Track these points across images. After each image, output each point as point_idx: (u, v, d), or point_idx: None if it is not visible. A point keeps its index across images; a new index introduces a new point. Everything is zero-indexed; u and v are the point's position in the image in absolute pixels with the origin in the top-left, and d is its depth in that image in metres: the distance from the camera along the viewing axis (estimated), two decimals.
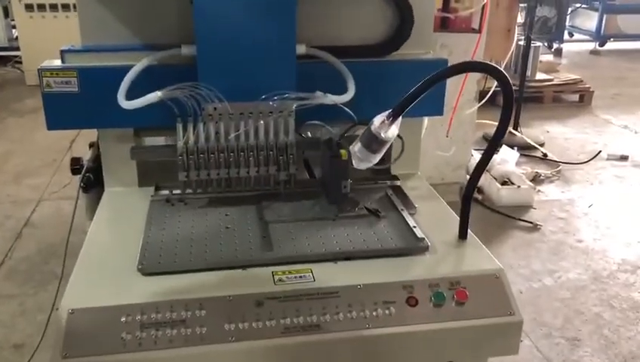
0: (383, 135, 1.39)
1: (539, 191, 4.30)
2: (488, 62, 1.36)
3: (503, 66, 5.72)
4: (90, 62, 1.77)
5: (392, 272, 1.52)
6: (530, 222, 3.84)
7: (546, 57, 7.63)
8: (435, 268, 1.55)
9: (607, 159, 4.91)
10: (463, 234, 1.67)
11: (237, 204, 1.80)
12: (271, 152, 1.77)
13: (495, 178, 4.18)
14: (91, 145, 2.10)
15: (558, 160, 4.85)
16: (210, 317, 1.38)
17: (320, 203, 1.81)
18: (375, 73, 1.86)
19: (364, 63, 1.86)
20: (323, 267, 1.53)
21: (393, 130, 1.41)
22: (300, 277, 1.48)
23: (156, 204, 1.81)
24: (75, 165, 2.09)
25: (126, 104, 1.68)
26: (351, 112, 1.70)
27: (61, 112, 1.77)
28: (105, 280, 1.47)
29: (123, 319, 1.35)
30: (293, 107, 1.73)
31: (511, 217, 3.89)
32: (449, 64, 1.66)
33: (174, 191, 1.86)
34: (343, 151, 1.68)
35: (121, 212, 1.84)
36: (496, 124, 1.47)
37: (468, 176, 4.15)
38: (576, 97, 6.61)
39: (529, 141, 5.06)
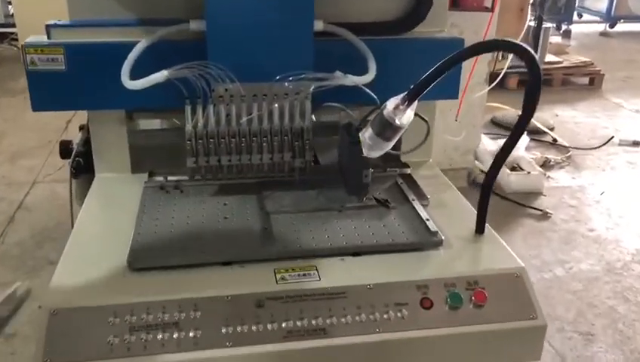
0: (397, 121, 1.25)
1: (549, 177, 4.17)
2: (517, 42, 1.22)
3: None
4: (78, 38, 1.63)
5: (404, 270, 1.40)
6: (540, 210, 3.71)
7: (555, 39, 7.44)
8: (451, 265, 1.43)
9: (619, 145, 4.77)
10: (480, 228, 1.54)
11: (236, 192, 1.68)
12: (285, 137, 1.64)
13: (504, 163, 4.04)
14: (81, 128, 1.97)
15: (568, 145, 4.71)
16: (205, 319, 1.26)
17: (324, 192, 1.69)
18: (392, 52, 1.72)
19: (381, 41, 1.71)
20: (329, 263, 1.41)
21: (409, 115, 1.28)
22: (304, 275, 1.36)
23: (149, 191, 1.68)
24: (65, 149, 1.96)
25: (130, 84, 1.55)
26: (373, 94, 1.56)
27: (47, 92, 1.64)
28: (92, 277, 1.35)
29: (110, 320, 1.24)
30: (311, 89, 1.59)
31: (520, 204, 3.77)
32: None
33: (169, 178, 1.73)
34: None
35: (112, 200, 1.72)
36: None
37: (476, 162, 4.03)
38: (586, 80, 6.44)
39: (538, 125, 4.91)
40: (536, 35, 4.93)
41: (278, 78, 1.56)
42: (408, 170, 1.84)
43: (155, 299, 1.27)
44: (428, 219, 1.55)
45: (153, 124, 1.91)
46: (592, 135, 5.00)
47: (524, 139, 4.24)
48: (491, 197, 1.52)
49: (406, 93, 1.27)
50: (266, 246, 1.44)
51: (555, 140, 4.84)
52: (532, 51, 1.24)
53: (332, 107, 1.64)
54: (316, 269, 1.38)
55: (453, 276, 1.38)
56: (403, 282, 1.35)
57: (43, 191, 3.79)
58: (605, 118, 5.46)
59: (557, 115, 5.46)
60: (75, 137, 2.00)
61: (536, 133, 4.84)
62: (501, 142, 4.29)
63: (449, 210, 1.66)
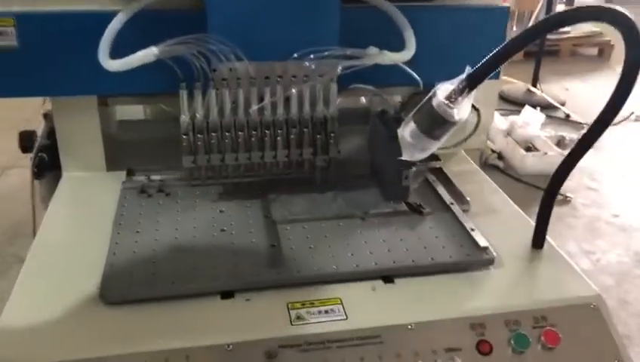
0: (455, 116, 0.94)
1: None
2: (614, 8, 0.92)
3: (533, 19, 5.26)
4: (34, 5, 1.28)
5: (451, 301, 1.10)
6: (560, 194, 3.43)
7: (559, 7, 7.10)
8: (510, 294, 1.13)
9: (637, 120, 4.48)
10: (538, 242, 1.25)
11: (234, 194, 1.37)
12: (305, 130, 1.33)
13: (517, 143, 3.75)
14: (46, 116, 1.64)
15: (582, 121, 4.42)
16: None
17: (341, 194, 1.38)
18: (427, 22, 1.39)
19: (417, 9, 1.38)
20: (356, 293, 1.11)
21: (466, 106, 0.97)
22: (327, 312, 1.06)
23: (128, 194, 1.37)
24: (26, 140, 1.64)
25: (111, 65, 1.22)
26: (415, 74, 1.26)
27: None
28: (52, 316, 1.04)
29: None
30: (338, 69, 1.28)
31: (537, 188, 3.48)
32: None
33: (152, 177, 1.42)
34: None
35: (82, 205, 1.40)
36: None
37: (489, 142, 3.73)
38: (594, 51, 6.13)
39: (550, 100, 4.62)
40: (549, 1, 4.60)
41: (296, 55, 1.25)
42: (438, 164, 1.54)
43: (133, 351, 0.97)
44: (473, 230, 1.25)
45: (134, 111, 1.59)
46: None
47: (539, 116, 3.94)
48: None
49: (464, 76, 0.95)
50: (276, 269, 1.13)
51: (567, 116, 4.55)
52: (633, 20, 0.93)
53: (362, 90, 1.33)
54: (341, 303, 1.08)
55: (514, 309, 1.08)
56: (453, 320, 1.06)
57: (16, 178, 3.45)
58: None
59: (567, 89, 5.16)
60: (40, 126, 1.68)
61: (546, 108, 4.54)
62: (513, 118, 4.04)
63: (494, 217, 1.36)
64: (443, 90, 0.97)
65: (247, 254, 1.17)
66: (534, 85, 4.69)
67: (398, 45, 1.34)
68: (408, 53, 1.32)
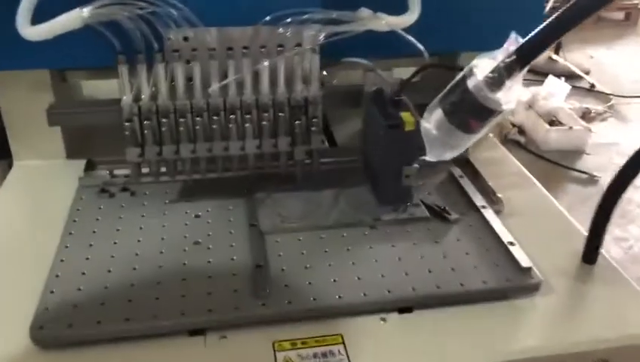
0: (501, 102, 0.68)
1: (590, 131, 3.60)
2: None
3: None
4: None
5: (485, 341, 0.86)
6: (586, 173, 3.16)
7: None
8: (563, 330, 0.89)
9: None
10: (590, 256, 1.00)
11: (214, 193, 1.12)
12: (281, 114, 1.07)
13: (540, 116, 3.46)
14: None
15: (609, 92, 4.11)
16: None
17: (345, 193, 1.13)
18: None
19: None
20: (362, 328, 0.87)
21: (516, 89, 0.71)
22: (324, 355, 0.82)
23: (85, 194, 1.13)
24: None
25: (30, 32, 0.97)
26: (418, 43, 1.00)
27: None
28: None
29: None
30: (321, 37, 1.02)
31: (562, 166, 3.21)
32: None
33: (116, 172, 1.17)
34: (406, 116, 0.97)
35: (33, 201, 1.17)
36: None
37: (510, 117, 3.45)
38: (621, 15, 5.73)
39: (573, 68, 4.30)
40: None
41: (267, 18, 0.99)
42: (466, 153, 1.28)
43: None
44: (513, 244, 1.00)
45: (97, 88, 1.34)
46: (634, 79, 4.38)
47: (564, 86, 3.63)
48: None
49: (511, 48, 0.69)
50: (260, 300, 0.88)
51: (592, 86, 4.23)
52: None
53: (351, 64, 1.07)
54: (342, 341, 0.84)
55: (566, 351, 0.84)
56: None
57: None
58: None
59: (592, 57, 4.82)
60: None
61: (569, 78, 4.22)
62: (535, 89, 3.73)
63: (532, 220, 1.11)
64: (482, 67, 0.70)
65: (226, 278, 0.93)
66: (557, 53, 4.37)
67: (398, 6, 1.07)
68: (411, 16, 1.05)
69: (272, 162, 1.12)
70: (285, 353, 0.82)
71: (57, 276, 0.91)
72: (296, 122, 1.07)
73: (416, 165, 1.02)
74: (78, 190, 1.13)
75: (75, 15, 0.93)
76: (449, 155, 0.78)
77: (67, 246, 0.98)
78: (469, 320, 0.88)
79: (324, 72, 1.10)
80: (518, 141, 3.40)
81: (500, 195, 1.13)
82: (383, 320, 0.88)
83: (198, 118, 1.04)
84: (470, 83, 0.71)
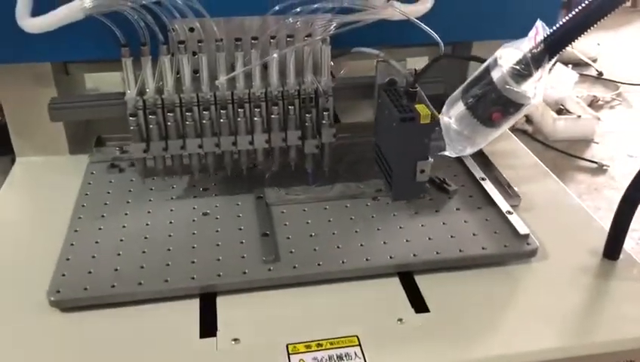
0: (529, 95, 0.65)
1: (599, 120, 3.55)
2: None
3: None
4: None
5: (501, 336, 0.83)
6: (595, 162, 3.12)
7: None
8: (585, 329, 0.86)
9: None
10: (612, 251, 0.97)
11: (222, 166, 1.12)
12: (290, 107, 1.03)
13: (547, 104, 3.41)
14: None
15: (616, 80, 4.05)
16: None
17: (348, 168, 1.15)
18: None
19: None
20: (379, 328, 0.84)
21: (543, 82, 0.67)
22: (340, 358, 0.79)
23: (96, 169, 1.15)
24: None
25: (31, 24, 0.94)
26: (434, 33, 0.96)
27: None
28: None
29: None
30: (332, 27, 0.98)
31: (570, 155, 3.17)
32: None
33: (126, 148, 1.18)
34: (421, 108, 0.94)
35: (39, 195, 1.15)
36: None
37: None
38: (628, 2, 5.67)
39: (580, 56, 4.24)
40: None
41: (277, 8, 0.96)
42: None
43: None
44: (510, 212, 1.01)
45: (101, 81, 1.31)
46: None
47: (573, 74, 3.58)
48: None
49: (539, 38, 0.65)
50: (268, 265, 0.91)
51: (600, 73, 4.18)
52: None
53: (364, 54, 1.04)
54: (359, 342, 0.81)
55: (588, 352, 0.81)
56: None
57: None
58: None
59: (598, 44, 4.75)
60: None
61: (576, 66, 4.17)
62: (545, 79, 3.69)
63: (550, 213, 1.08)
64: (506, 58, 0.67)
65: (234, 245, 0.95)
66: None
67: None
68: (426, 4, 1.02)
69: (276, 162, 1.09)
70: (300, 356, 0.79)
71: (72, 245, 0.94)
72: (307, 115, 1.04)
73: (431, 159, 0.99)
74: (88, 166, 1.15)
75: (77, 6, 0.90)
76: (469, 151, 0.75)
77: (80, 218, 1.00)
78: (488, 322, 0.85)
79: (332, 63, 1.07)
80: (526, 130, 3.36)
81: (516, 189, 1.10)
82: (400, 320, 0.85)
83: (205, 112, 1.01)
84: (495, 75, 0.67)
